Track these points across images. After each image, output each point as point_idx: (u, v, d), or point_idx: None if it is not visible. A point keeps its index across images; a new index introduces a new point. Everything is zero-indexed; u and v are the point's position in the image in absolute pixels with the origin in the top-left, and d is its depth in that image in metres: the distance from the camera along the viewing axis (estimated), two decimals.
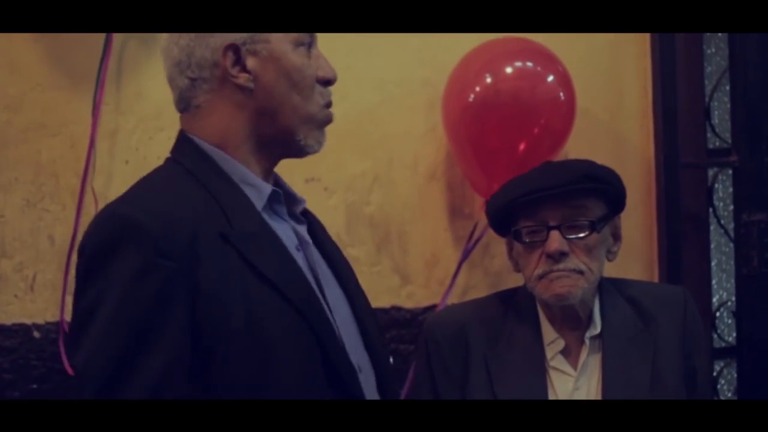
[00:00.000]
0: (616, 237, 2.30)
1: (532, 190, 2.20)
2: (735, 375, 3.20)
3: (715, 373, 3.18)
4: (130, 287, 1.62)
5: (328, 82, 1.83)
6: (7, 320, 2.84)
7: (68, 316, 2.74)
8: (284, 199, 1.83)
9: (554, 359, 2.24)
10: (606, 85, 3.10)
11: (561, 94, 2.87)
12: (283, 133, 1.79)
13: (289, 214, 1.84)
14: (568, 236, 2.18)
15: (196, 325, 1.64)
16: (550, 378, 2.23)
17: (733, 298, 3.14)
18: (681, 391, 2.22)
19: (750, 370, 2.37)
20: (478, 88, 2.82)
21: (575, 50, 2.98)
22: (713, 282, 3.20)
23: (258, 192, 1.77)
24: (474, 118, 2.82)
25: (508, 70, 2.85)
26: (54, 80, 2.83)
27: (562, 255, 2.18)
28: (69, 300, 2.77)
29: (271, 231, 1.76)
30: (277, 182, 1.85)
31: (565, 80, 2.88)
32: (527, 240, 2.22)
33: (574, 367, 2.23)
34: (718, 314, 3.18)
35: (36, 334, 2.83)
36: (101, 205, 2.79)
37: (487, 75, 2.83)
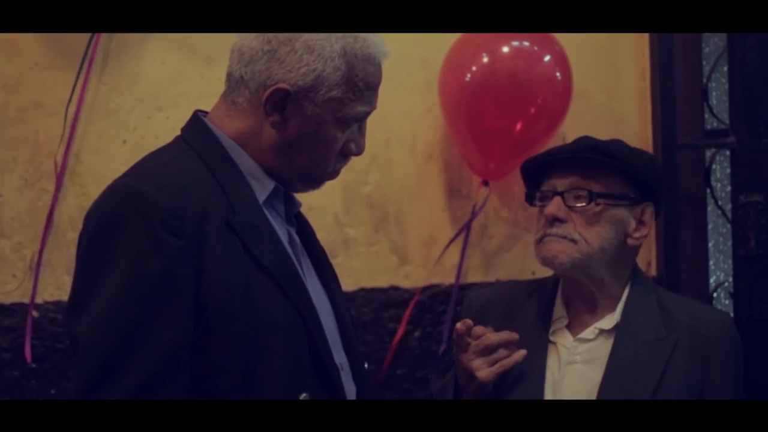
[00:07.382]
0: (642, 223, 2.23)
1: (542, 155, 2.26)
2: None
3: None
4: (138, 260, 1.64)
5: (348, 154, 1.87)
6: (6, 300, 2.85)
7: None
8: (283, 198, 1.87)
9: (555, 334, 2.24)
10: (603, 65, 3.09)
11: (558, 74, 2.87)
12: (278, 174, 1.84)
13: (285, 213, 1.88)
14: (569, 204, 2.19)
15: (198, 303, 1.67)
16: (549, 352, 2.23)
17: (730, 279, 3.14)
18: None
19: (747, 351, 2.38)
20: (474, 68, 2.82)
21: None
22: (710, 263, 3.20)
23: (262, 185, 1.82)
24: (470, 97, 2.82)
25: (505, 49, 2.85)
26: (51, 60, 2.83)
27: (555, 220, 2.18)
28: None
29: (270, 225, 1.81)
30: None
31: (561, 60, 2.88)
32: (537, 203, 2.25)
33: (574, 345, 2.22)
34: (715, 295, 3.19)
35: (35, 314, 2.83)
36: (70, 181, 2.81)
37: (484, 54, 2.83)
